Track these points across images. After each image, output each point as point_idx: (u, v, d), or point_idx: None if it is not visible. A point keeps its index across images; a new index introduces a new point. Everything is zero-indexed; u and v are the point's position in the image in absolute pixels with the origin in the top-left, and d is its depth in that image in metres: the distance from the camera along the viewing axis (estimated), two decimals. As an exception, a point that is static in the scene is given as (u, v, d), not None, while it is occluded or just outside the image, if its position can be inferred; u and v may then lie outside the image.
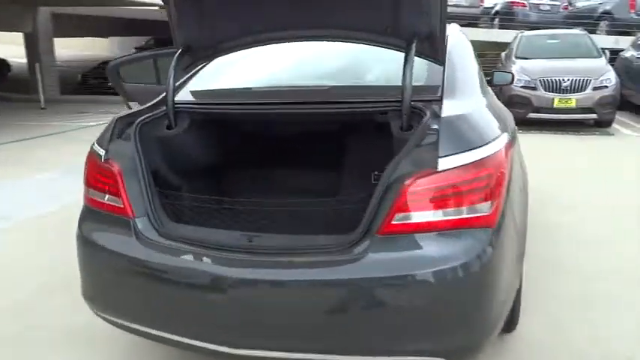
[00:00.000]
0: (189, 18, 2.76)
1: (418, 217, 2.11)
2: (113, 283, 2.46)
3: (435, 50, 2.53)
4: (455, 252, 2.07)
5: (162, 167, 2.76)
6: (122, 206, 2.46)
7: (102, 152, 2.59)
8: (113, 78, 4.53)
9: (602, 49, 10.50)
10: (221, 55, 2.97)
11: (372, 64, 3.12)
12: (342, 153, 3.12)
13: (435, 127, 2.21)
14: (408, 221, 2.10)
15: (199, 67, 3.18)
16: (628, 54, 11.53)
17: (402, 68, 2.35)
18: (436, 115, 2.27)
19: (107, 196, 2.54)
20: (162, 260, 2.31)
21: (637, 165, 7.24)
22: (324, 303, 2.11)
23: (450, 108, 2.32)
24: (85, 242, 2.55)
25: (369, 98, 2.58)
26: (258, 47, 2.89)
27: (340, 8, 2.58)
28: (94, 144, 2.70)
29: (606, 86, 9.31)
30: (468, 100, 2.51)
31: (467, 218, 2.11)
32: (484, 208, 2.13)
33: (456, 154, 2.12)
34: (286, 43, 2.92)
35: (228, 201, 2.70)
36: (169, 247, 2.33)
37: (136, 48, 26.07)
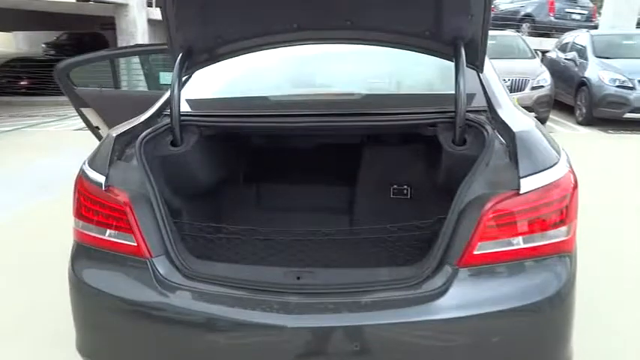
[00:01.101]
0: (192, 15, 2.34)
1: (502, 245, 1.89)
2: (127, 339, 2.01)
3: (474, 55, 2.31)
4: (545, 282, 1.88)
5: (168, 192, 2.34)
6: (135, 244, 2.02)
7: (101, 179, 2.12)
8: (63, 81, 3.94)
9: (534, 50, 10.94)
10: (228, 58, 2.57)
11: (400, 70, 2.86)
12: (375, 169, 2.83)
13: (502, 142, 2.00)
14: (492, 250, 1.88)
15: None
16: (554, 55, 12.13)
17: (454, 75, 2.12)
18: (499, 129, 2.05)
19: (110, 232, 2.09)
20: (194, 308, 1.91)
21: (578, 159, 7.50)
22: (403, 349, 1.82)
23: (512, 121, 2.12)
24: (84, 288, 2.08)
25: (413, 109, 2.31)
26: (272, 49, 2.53)
27: (370, 7, 2.29)
28: (84, 168, 2.22)
29: (542, 86, 9.68)
30: (511, 111, 2.32)
31: (550, 244, 1.92)
32: (563, 232, 1.95)
33: (535, 173, 1.92)
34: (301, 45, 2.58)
35: (263, 231, 2.32)
36: (201, 291, 1.93)
37: (46, 44, 23.99)
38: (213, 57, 2.54)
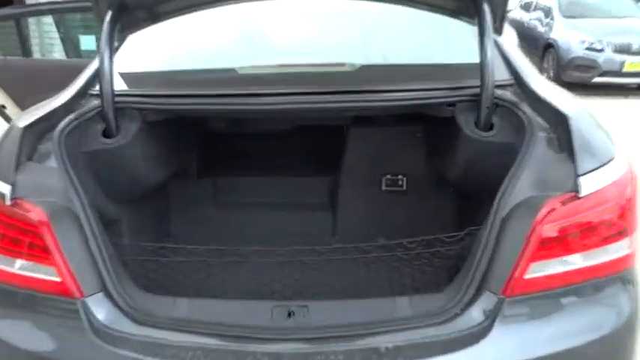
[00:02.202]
0: None
1: (558, 265, 1.53)
2: None
3: (493, 13, 1.91)
4: (613, 309, 1.57)
5: (102, 200, 1.86)
6: (58, 279, 1.54)
7: (4, 188, 1.60)
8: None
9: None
10: (175, 16, 2.05)
11: (404, 34, 2.37)
12: (364, 156, 2.46)
13: (544, 127, 1.65)
14: (547, 272, 1.53)
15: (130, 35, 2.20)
16: (517, 15, 11.99)
17: (479, 40, 1.74)
18: (538, 110, 1.72)
19: (20, 262, 1.59)
20: None
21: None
22: None
23: (554, 98, 1.75)
24: None
25: (425, 85, 1.89)
26: (230, 5, 2.04)
27: None
28: None
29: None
30: (545, 84, 1.95)
31: (613, 261, 1.58)
32: (625, 245, 1.62)
33: (595, 170, 1.57)
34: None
35: (234, 250, 1.84)
36: (158, 343, 1.48)
37: None
38: (154, 15, 2.03)
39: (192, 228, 2.48)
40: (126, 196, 2.02)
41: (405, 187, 2.49)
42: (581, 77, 9.44)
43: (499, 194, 1.56)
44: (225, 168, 2.66)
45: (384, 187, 2.49)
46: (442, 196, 2.44)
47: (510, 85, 1.87)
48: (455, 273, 1.64)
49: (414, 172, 2.46)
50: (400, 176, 2.48)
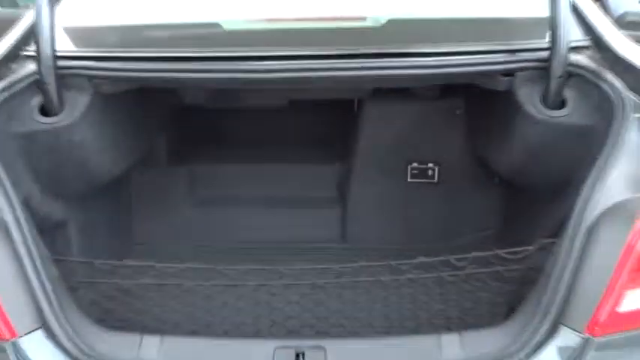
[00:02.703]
0: None
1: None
2: None
3: None
4: None
5: (40, 198, 1.52)
6: None
7: None
8: None
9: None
10: None
11: None
12: (384, 138, 2.08)
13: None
14: None
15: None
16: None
17: None
18: (629, 81, 1.40)
19: None
20: None
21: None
22: None
23: None
24: None
25: (473, 46, 1.49)
26: None
27: None
28: None
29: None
30: (631, 46, 1.55)
31: None
32: None
33: None
34: None
35: (219, 269, 1.43)
36: None
37: None
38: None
39: (162, 232, 2.09)
40: (74, 191, 1.65)
41: (436, 179, 2.09)
42: (634, 36, 8.87)
43: (583, 195, 1.23)
44: (203, 153, 2.30)
45: (409, 179, 2.10)
46: (484, 190, 2.06)
47: (586, 48, 1.51)
48: (518, 301, 1.28)
49: (449, 159, 2.08)
50: (431, 164, 2.09)
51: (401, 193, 2.12)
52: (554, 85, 1.45)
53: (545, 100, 1.49)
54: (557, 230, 1.63)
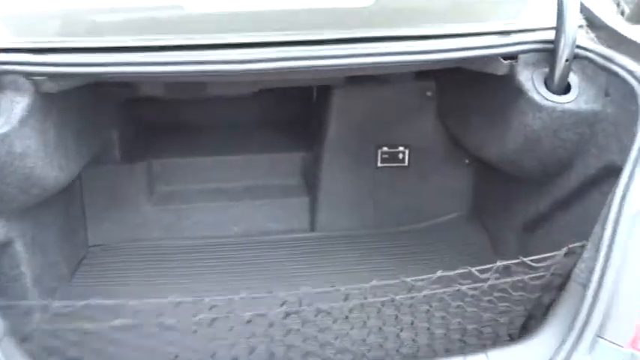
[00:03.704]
0: None
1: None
2: None
3: None
4: None
5: None
6: None
7: None
8: None
9: None
10: None
11: None
12: (353, 122, 1.97)
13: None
14: None
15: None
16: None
17: None
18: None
19: None
20: None
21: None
22: None
23: None
24: None
25: (472, 27, 1.37)
26: None
27: None
28: None
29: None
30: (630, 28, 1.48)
31: None
32: None
33: None
34: None
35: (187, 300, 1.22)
36: None
37: None
38: None
39: (120, 232, 1.93)
40: (16, 207, 1.39)
41: (407, 162, 2.00)
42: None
43: (618, 192, 1.15)
44: (161, 146, 2.12)
45: (379, 163, 2.01)
46: (455, 172, 2.03)
47: (580, 27, 1.42)
48: (541, 312, 1.19)
49: (419, 142, 2.01)
50: (401, 148, 1.99)
51: (371, 178, 2.04)
52: (560, 68, 1.35)
53: (548, 85, 1.39)
54: (548, 212, 1.62)
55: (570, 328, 1.12)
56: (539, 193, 1.61)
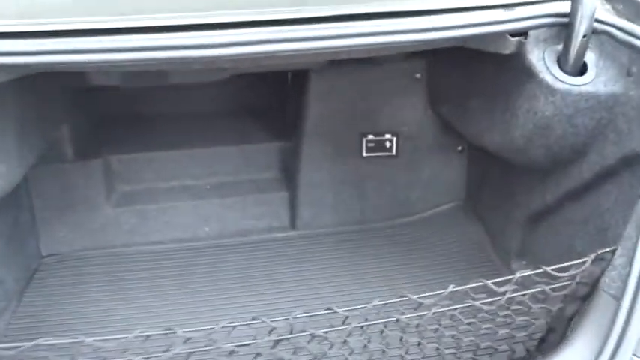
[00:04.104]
0: None
1: None
2: None
3: None
4: None
5: None
6: None
7: None
8: None
9: None
10: None
11: None
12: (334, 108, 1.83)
13: None
14: None
15: None
16: None
17: None
18: None
19: None
20: None
21: None
22: None
23: None
24: None
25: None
26: None
27: None
28: None
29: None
30: None
31: None
32: None
33: None
34: None
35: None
36: None
37: None
38: None
39: (77, 239, 1.76)
40: None
41: (394, 151, 1.85)
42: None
43: None
44: (121, 140, 1.94)
45: (365, 153, 1.85)
46: (447, 160, 1.90)
47: None
48: (563, 325, 1.06)
49: (408, 129, 1.86)
50: (388, 136, 1.84)
51: (356, 170, 1.89)
52: (576, 45, 1.21)
53: (562, 65, 1.26)
54: (555, 205, 1.50)
55: (602, 346, 0.98)
56: (544, 183, 1.49)
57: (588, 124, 1.27)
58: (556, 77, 1.25)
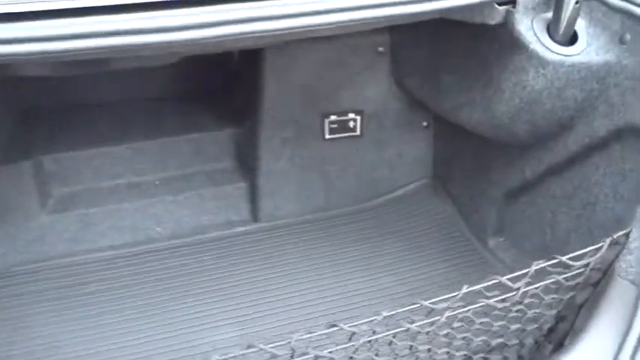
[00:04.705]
0: None
1: None
2: None
3: None
4: None
5: None
6: None
7: None
8: None
9: None
10: None
11: None
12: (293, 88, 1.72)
13: None
14: None
15: None
16: None
17: None
18: None
19: None
20: None
21: None
22: None
23: None
24: None
25: None
26: None
27: None
28: None
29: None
30: None
31: None
32: None
33: None
34: None
35: None
36: None
37: None
38: None
39: (5, 251, 1.56)
40: None
41: (359, 131, 1.75)
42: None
43: None
44: (52, 137, 1.74)
45: (327, 135, 1.74)
46: (413, 136, 1.82)
47: None
48: (573, 313, 1.01)
49: (371, 106, 1.76)
50: (352, 115, 1.73)
51: (319, 153, 1.78)
52: (568, 12, 1.15)
53: (552, 34, 1.19)
54: (536, 179, 1.45)
55: (625, 334, 0.94)
56: (524, 158, 1.43)
57: (578, 97, 1.21)
58: (547, 48, 1.18)
